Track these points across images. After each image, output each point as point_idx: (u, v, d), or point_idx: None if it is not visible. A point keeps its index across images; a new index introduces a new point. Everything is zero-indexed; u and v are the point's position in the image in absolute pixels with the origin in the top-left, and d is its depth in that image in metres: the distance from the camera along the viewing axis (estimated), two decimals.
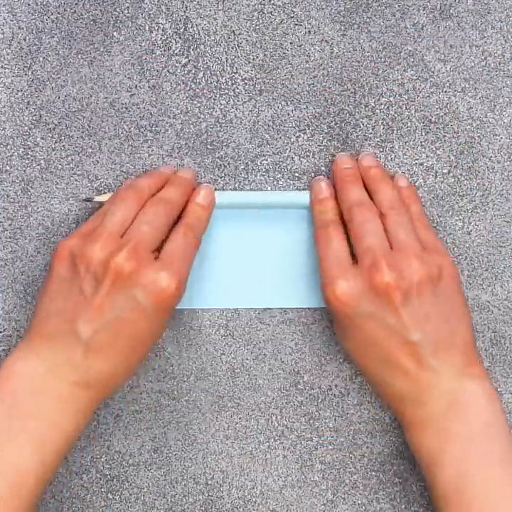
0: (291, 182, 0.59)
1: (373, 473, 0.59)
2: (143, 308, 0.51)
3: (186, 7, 0.59)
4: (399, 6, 0.59)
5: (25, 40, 0.59)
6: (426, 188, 0.60)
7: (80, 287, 0.51)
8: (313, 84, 0.59)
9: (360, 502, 0.59)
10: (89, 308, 0.51)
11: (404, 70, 0.59)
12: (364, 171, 0.57)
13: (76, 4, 0.59)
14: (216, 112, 0.59)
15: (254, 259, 0.59)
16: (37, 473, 0.49)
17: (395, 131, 0.60)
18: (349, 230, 0.54)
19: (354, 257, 0.54)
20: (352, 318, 0.52)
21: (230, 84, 0.59)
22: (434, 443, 0.51)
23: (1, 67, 0.59)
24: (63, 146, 0.59)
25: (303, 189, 0.59)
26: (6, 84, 0.59)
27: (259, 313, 0.59)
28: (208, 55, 0.59)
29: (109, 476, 0.59)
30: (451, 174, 0.60)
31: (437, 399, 0.51)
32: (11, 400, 0.50)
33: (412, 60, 0.59)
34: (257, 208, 0.58)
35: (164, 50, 0.59)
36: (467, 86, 0.60)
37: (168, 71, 0.59)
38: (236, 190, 0.59)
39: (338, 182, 0.57)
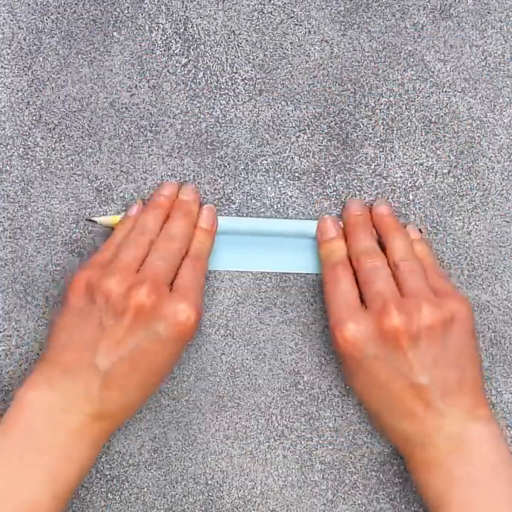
0: (291, 182, 0.59)
1: (373, 473, 0.59)
2: (163, 340, 0.51)
3: (186, 7, 0.59)
4: (399, 6, 0.59)
5: (25, 40, 0.59)
6: (426, 188, 0.60)
7: (99, 319, 0.51)
8: (313, 84, 0.59)
9: (360, 502, 0.59)
10: (109, 341, 0.51)
11: (404, 70, 0.59)
12: (377, 218, 0.58)
13: (76, 4, 0.59)
14: (216, 112, 0.59)
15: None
16: (49, 507, 0.49)
17: (395, 131, 0.60)
18: (358, 276, 0.54)
19: (363, 302, 0.53)
20: (359, 361, 0.52)
21: (230, 84, 0.59)
22: (440, 485, 0.51)
23: (1, 67, 0.59)
24: (63, 146, 0.59)
25: (303, 189, 0.59)
26: (6, 84, 0.59)
27: (259, 314, 0.59)
28: (208, 55, 0.59)
29: (109, 476, 0.59)
30: (451, 174, 0.60)
31: (443, 441, 0.51)
32: (24, 433, 0.50)
33: (412, 60, 0.59)
34: (261, 235, 0.58)
35: (164, 50, 0.59)
36: (467, 86, 0.60)
37: (168, 71, 0.59)
38: (238, 210, 0.59)
39: (348, 227, 0.57)
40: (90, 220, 0.58)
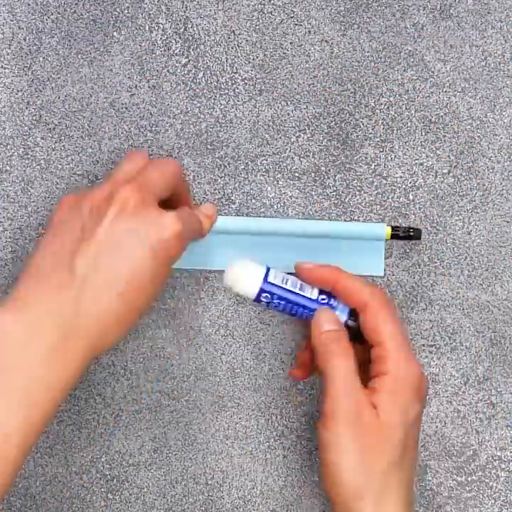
0: (291, 182, 0.59)
1: None
2: (145, 247, 0.48)
3: (186, 7, 0.59)
4: (399, 6, 0.59)
5: (25, 40, 0.59)
6: (426, 188, 0.60)
7: (81, 224, 0.49)
8: (313, 84, 0.59)
9: None
10: (89, 242, 0.48)
11: (404, 70, 0.59)
12: None
13: (76, 4, 0.59)
14: (216, 111, 0.59)
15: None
16: (22, 434, 0.45)
17: (395, 131, 0.60)
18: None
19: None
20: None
21: (230, 84, 0.59)
22: None
23: (1, 67, 0.59)
24: (63, 146, 0.59)
25: (303, 189, 0.59)
26: (6, 84, 0.59)
27: (259, 313, 0.59)
28: (208, 55, 0.59)
29: (109, 476, 0.59)
30: (451, 174, 0.60)
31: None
32: None
33: (412, 60, 0.59)
34: (261, 235, 0.58)
35: (164, 50, 0.59)
36: (467, 86, 0.60)
37: (168, 71, 0.59)
38: (238, 210, 0.59)
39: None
40: None
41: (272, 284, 0.53)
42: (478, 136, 0.60)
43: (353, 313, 0.54)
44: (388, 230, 0.58)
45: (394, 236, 0.58)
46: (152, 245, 0.48)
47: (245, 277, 0.53)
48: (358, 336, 0.54)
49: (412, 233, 0.58)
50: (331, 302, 0.54)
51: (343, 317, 0.54)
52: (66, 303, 0.47)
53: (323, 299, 0.54)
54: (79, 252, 0.48)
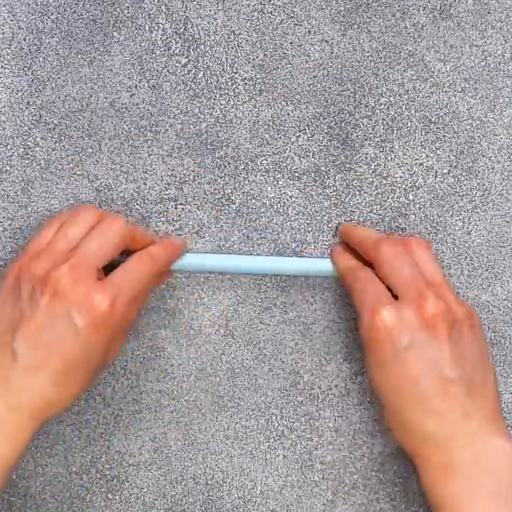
0: (291, 182, 0.59)
1: (373, 473, 0.59)
2: (75, 327, 0.49)
3: (186, 7, 0.59)
4: (399, 6, 0.60)
5: (25, 40, 0.59)
6: (426, 188, 0.60)
7: (20, 300, 0.50)
8: (313, 84, 0.59)
9: (360, 502, 0.59)
10: (24, 324, 0.49)
11: (404, 70, 0.59)
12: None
13: (76, 4, 0.59)
14: (216, 111, 0.59)
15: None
16: None
17: (395, 131, 0.60)
18: (381, 271, 0.53)
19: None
20: (393, 351, 0.50)
21: (230, 84, 0.59)
22: (461, 494, 0.49)
23: (1, 67, 0.59)
24: (63, 146, 0.59)
25: (303, 189, 0.59)
26: (6, 84, 0.59)
27: (259, 313, 0.59)
28: (208, 55, 0.59)
29: (109, 476, 0.59)
30: (451, 174, 0.60)
31: (468, 446, 0.49)
32: None
33: (412, 60, 0.59)
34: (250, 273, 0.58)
35: (164, 50, 0.59)
36: (467, 86, 0.60)
37: (168, 71, 0.59)
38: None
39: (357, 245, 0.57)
40: None
41: None
42: (478, 136, 0.60)
43: None
44: None
45: None
46: (82, 324, 0.49)
47: None
48: None
49: None
50: None
51: None
52: (9, 378, 0.49)
53: None
54: (16, 333, 0.50)
